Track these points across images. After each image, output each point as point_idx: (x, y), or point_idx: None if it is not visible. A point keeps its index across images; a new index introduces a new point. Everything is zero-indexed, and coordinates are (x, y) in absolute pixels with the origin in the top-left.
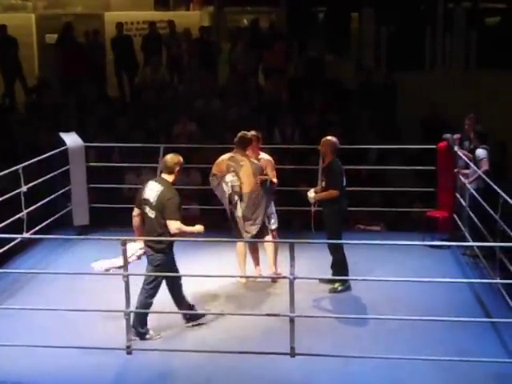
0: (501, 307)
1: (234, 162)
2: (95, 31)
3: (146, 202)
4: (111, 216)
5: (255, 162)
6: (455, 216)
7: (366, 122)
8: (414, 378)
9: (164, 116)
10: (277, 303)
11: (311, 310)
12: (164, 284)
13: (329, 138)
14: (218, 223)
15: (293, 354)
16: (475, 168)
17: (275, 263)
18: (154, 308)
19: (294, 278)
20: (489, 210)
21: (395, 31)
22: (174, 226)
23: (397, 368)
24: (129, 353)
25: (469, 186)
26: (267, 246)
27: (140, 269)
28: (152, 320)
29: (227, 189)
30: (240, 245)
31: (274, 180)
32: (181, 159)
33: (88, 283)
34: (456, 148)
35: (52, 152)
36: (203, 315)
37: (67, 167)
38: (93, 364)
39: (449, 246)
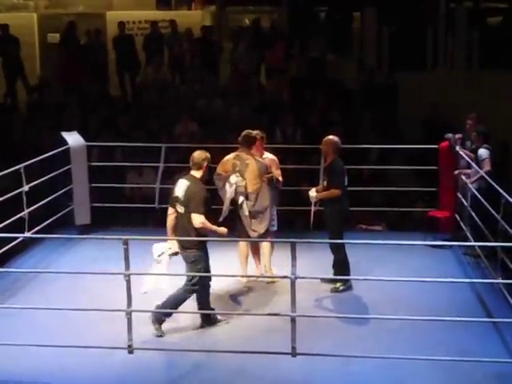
0: (502, 307)
1: (239, 161)
2: (97, 30)
3: (176, 199)
4: (113, 215)
5: (260, 160)
6: (457, 216)
7: (367, 121)
8: (415, 377)
9: (166, 115)
10: (278, 303)
11: (312, 309)
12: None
13: (331, 137)
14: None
15: (294, 353)
16: (477, 168)
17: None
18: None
19: (296, 278)
20: (490, 210)
21: (397, 31)
22: (198, 219)
23: (398, 368)
24: (130, 352)
25: (470, 185)
26: (265, 248)
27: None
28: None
29: (231, 191)
30: (242, 245)
31: (280, 178)
32: (208, 155)
33: (89, 283)
34: (458, 148)
35: (54, 151)
36: (219, 320)
37: (69, 166)
38: (94, 363)
39: (450, 246)
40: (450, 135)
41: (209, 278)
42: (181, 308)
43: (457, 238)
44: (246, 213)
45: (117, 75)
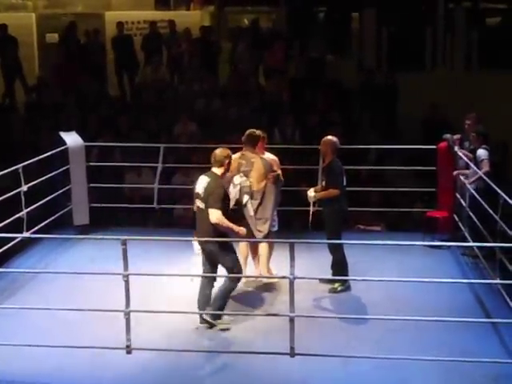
0: (501, 308)
1: (245, 160)
2: (96, 31)
3: (198, 195)
4: (111, 215)
5: (266, 158)
6: (455, 216)
7: (366, 122)
8: (414, 378)
9: (164, 116)
10: (276, 303)
11: (311, 310)
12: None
13: (329, 137)
14: None
15: (292, 353)
16: (475, 169)
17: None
18: (155, 307)
19: (294, 278)
20: (489, 210)
21: (396, 31)
22: (214, 215)
23: (396, 368)
24: (128, 352)
25: (469, 186)
26: (263, 248)
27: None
28: (150, 318)
29: (235, 191)
30: (242, 245)
31: (281, 178)
32: (229, 152)
33: (88, 283)
34: (456, 148)
35: (52, 151)
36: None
37: (67, 167)
38: (92, 363)
39: (449, 247)
40: (448, 136)
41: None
42: (181, 308)
43: (455, 239)
44: (251, 213)
45: (115, 75)
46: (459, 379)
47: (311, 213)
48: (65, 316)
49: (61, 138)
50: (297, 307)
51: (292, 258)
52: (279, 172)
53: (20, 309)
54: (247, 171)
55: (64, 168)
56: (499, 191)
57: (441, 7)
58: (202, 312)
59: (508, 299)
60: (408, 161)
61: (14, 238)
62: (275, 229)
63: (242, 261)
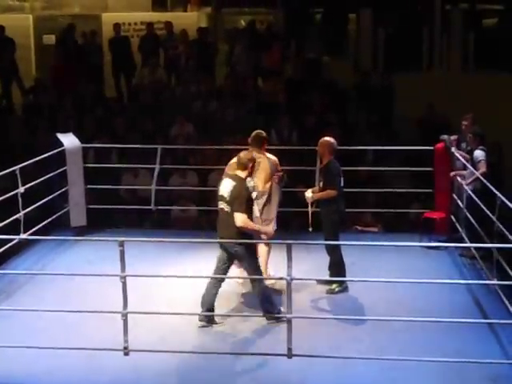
0: (498, 308)
1: None
2: (93, 32)
3: (222, 197)
4: (108, 217)
5: (271, 158)
6: (452, 217)
7: (363, 122)
8: (411, 379)
9: (161, 117)
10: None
11: (308, 310)
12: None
13: (327, 138)
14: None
15: (290, 355)
16: (472, 169)
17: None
18: (152, 308)
19: (292, 279)
20: (486, 211)
21: (393, 32)
22: (240, 218)
23: (394, 369)
24: (126, 354)
25: (466, 187)
26: (262, 249)
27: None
28: (148, 320)
29: None
30: None
31: None
32: (254, 156)
33: (85, 284)
34: (453, 149)
35: (49, 153)
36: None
37: (64, 168)
38: (90, 365)
39: (446, 247)
40: (445, 136)
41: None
42: (178, 309)
43: (452, 240)
44: (257, 213)
45: (112, 77)
46: (457, 380)
47: (310, 214)
48: (62, 317)
49: (58, 140)
50: (294, 308)
51: (289, 259)
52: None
53: (17, 310)
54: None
55: (61, 169)
56: (496, 192)
57: (437, 8)
58: (200, 313)
59: (505, 300)
60: (405, 162)
61: (11, 240)
62: (275, 228)
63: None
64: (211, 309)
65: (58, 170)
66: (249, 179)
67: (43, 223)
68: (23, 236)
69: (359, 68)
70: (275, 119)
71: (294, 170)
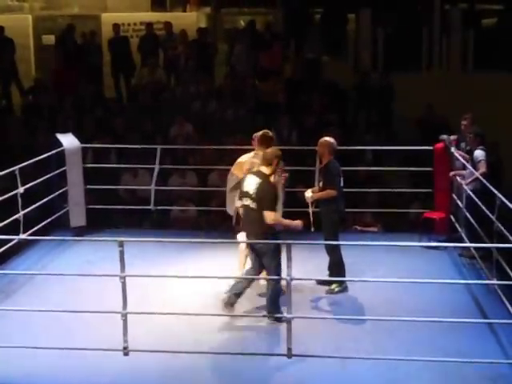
0: (498, 308)
1: (258, 160)
2: (92, 32)
3: (246, 194)
4: (108, 217)
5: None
6: (452, 217)
7: (362, 122)
8: (410, 379)
9: (161, 117)
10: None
11: (308, 310)
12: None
13: (327, 138)
14: (215, 224)
15: (290, 354)
16: (472, 169)
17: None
18: (152, 308)
19: (291, 279)
20: (485, 211)
21: (392, 32)
22: (271, 216)
23: (394, 369)
24: (125, 354)
25: (466, 187)
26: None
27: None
28: (147, 320)
29: None
30: (243, 244)
31: None
32: (279, 152)
33: (85, 284)
34: (453, 149)
35: (49, 153)
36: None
37: (64, 168)
38: (89, 365)
39: (445, 247)
40: (444, 136)
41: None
42: (178, 309)
43: (452, 239)
44: None
45: (112, 77)
46: (457, 380)
47: (311, 214)
48: (62, 318)
49: (57, 140)
50: (294, 308)
51: (289, 259)
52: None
53: (17, 310)
54: None
55: (60, 170)
56: (496, 192)
57: (437, 8)
58: (203, 314)
59: (505, 300)
60: (404, 161)
61: (11, 240)
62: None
63: (241, 260)
64: (238, 294)
65: (58, 171)
66: None
67: (43, 223)
68: (23, 236)
69: (359, 68)
70: (275, 119)
71: (294, 170)
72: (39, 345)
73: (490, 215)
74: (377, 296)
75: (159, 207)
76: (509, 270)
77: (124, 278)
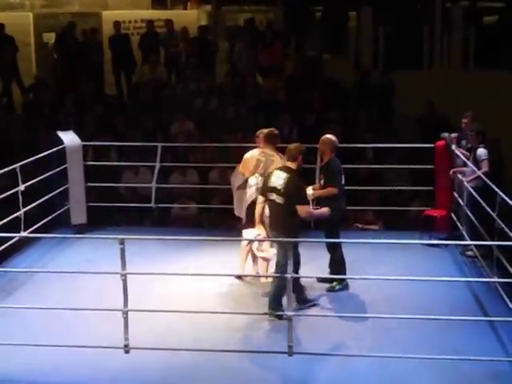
0: (498, 306)
1: (264, 158)
2: (93, 30)
3: (274, 189)
4: (109, 215)
5: (283, 157)
6: (453, 215)
7: (363, 120)
8: (411, 376)
9: (162, 115)
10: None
11: (309, 308)
12: None
13: (328, 136)
14: (216, 222)
15: (291, 352)
16: (474, 168)
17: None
18: (153, 306)
19: (292, 277)
20: (487, 208)
21: (393, 30)
22: (304, 210)
23: (395, 367)
24: (126, 351)
25: (467, 184)
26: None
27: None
28: (148, 317)
29: (250, 193)
30: (245, 242)
31: None
32: (303, 147)
33: (86, 282)
34: (454, 147)
35: (50, 151)
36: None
37: (65, 166)
38: (90, 363)
39: (446, 245)
40: (446, 134)
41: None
42: (179, 307)
43: (453, 237)
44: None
45: (113, 74)
46: (457, 377)
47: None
48: (62, 315)
49: (58, 138)
50: (294, 306)
51: (289, 257)
52: None
53: (18, 308)
54: (265, 169)
55: (61, 167)
56: (498, 191)
57: (438, 6)
58: (203, 312)
59: (506, 297)
60: (405, 159)
61: (12, 238)
62: None
63: (242, 257)
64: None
65: (59, 168)
66: (260, 179)
67: (44, 221)
68: (24, 234)
69: (359, 66)
70: (275, 117)
71: None
72: (40, 342)
73: (491, 212)
74: (378, 294)
75: (160, 205)
76: (509, 268)
77: (125, 275)
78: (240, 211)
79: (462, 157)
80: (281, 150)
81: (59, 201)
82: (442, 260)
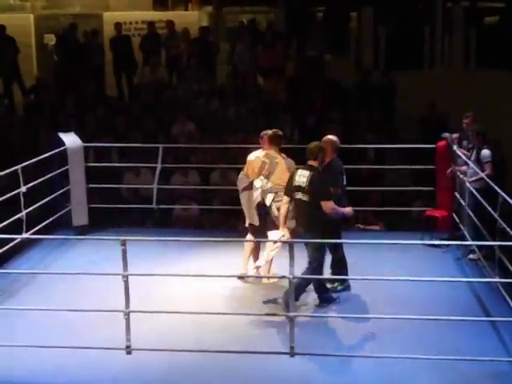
0: (500, 306)
1: (269, 160)
2: (94, 31)
3: (298, 188)
4: (110, 216)
5: (286, 158)
6: (454, 215)
7: (364, 121)
8: (413, 376)
9: (163, 116)
10: (276, 302)
11: (311, 309)
12: None
13: (330, 136)
14: (218, 223)
15: (292, 353)
16: (476, 169)
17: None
18: (154, 307)
19: (294, 278)
20: (489, 209)
21: (394, 30)
22: (329, 205)
23: (396, 367)
24: (128, 353)
25: (468, 184)
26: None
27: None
28: (150, 319)
29: (256, 195)
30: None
31: None
32: (322, 145)
33: (87, 283)
34: (455, 147)
35: (51, 152)
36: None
37: (66, 167)
38: (92, 364)
39: (448, 245)
40: (447, 134)
41: (323, 259)
42: (181, 308)
43: (454, 237)
44: (276, 213)
45: (114, 76)
46: (458, 377)
47: None
48: (64, 316)
49: (59, 139)
50: (296, 307)
51: (291, 258)
52: None
53: (20, 310)
54: (270, 172)
55: (63, 169)
56: (502, 193)
57: (439, 6)
58: (205, 313)
59: (507, 297)
60: (406, 160)
61: (14, 239)
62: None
63: (245, 257)
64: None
65: (60, 170)
66: (265, 181)
67: (45, 223)
68: (25, 235)
69: (360, 66)
70: (277, 118)
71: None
72: (42, 343)
73: (493, 213)
74: (379, 294)
75: (161, 206)
76: (511, 268)
77: (127, 276)
78: (252, 217)
79: (464, 157)
80: (283, 151)
81: (61, 202)
82: (444, 260)
